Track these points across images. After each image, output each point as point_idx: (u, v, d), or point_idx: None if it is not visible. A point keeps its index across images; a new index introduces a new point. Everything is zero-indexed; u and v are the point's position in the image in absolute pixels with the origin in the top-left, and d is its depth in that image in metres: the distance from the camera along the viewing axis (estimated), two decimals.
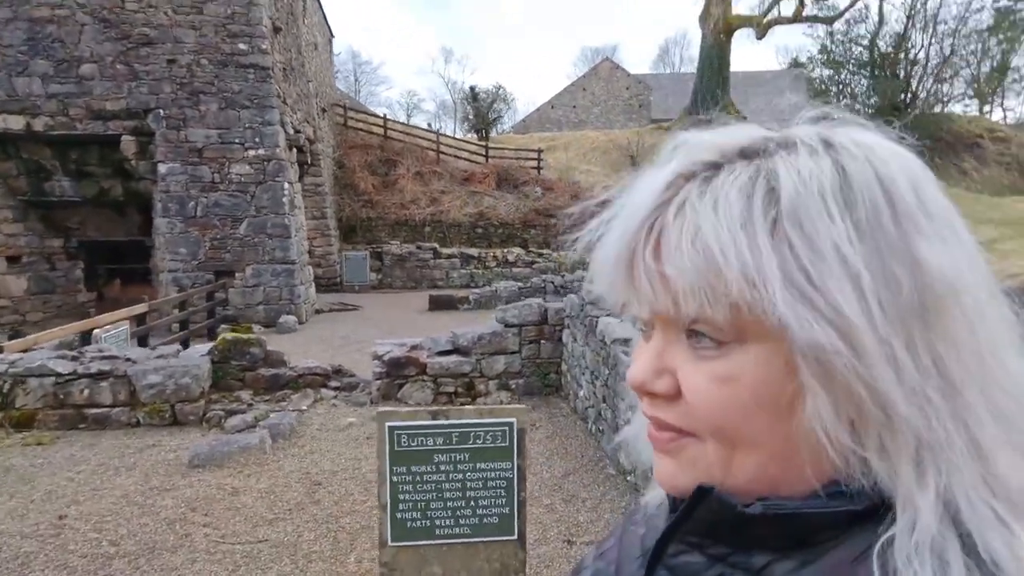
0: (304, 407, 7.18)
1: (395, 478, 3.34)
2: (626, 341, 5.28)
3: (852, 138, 0.52)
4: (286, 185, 15.10)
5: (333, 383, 7.83)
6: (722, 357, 0.51)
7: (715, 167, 0.53)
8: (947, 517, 0.46)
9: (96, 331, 8.15)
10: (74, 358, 7.07)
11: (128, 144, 14.49)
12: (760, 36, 28.06)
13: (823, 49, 27.34)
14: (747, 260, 0.48)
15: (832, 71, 26.91)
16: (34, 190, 15.34)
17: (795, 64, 53.24)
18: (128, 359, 7.09)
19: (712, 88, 28.77)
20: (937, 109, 26.79)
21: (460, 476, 3.36)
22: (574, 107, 50.71)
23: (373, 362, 7.66)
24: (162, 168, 14.45)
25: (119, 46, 14.28)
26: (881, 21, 26.37)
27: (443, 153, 26.30)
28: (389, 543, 3.36)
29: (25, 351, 7.59)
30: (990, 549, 0.45)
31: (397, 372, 7.45)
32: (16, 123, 14.21)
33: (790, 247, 0.48)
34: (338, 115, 26.51)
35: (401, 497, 3.35)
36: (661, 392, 0.54)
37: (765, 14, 28.23)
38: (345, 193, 24.33)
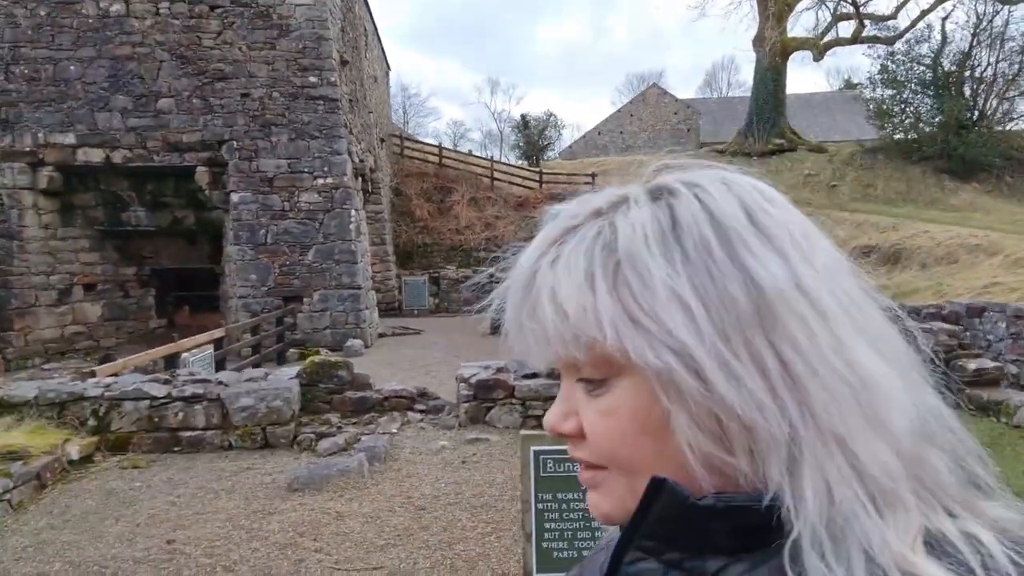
0: (394, 430, 7.08)
1: (540, 505, 3.18)
2: None
3: (683, 180, 0.58)
4: (353, 212, 15.26)
5: (419, 406, 7.73)
6: (605, 393, 0.57)
7: (572, 230, 0.59)
8: (827, 510, 0.48)
9: (184, 355, 8.23)
10: (166, 381, 7.13)
11: (202, 175, 14.86)
12: (817, 59, 27.64)
13: (883, 69, 26.72)
14: (588, 305, 0.54)
15: (894, 91, 26.24)
16: (111, 220, 15.82)
17: (848, 85, 52.46)
18: (220, 382, 7.11)
19: (768, 111, 28.40)
20: (1006, 127, 25.90)
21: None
22: (621, 133, 50.69)
23: (459, 385, 7.55)
24: (234, 197, 14.75)
25: (195, 81, 14.72)
26: (944, 39, 25.70)
27: (497, 179, 26.43)
28: (534, 574, 3.18)
29: (115, 375, 7.70)
30: (867, 538, 0.47)
31: (484, 395, 7.32)
32: (96, 156, 14.71)
33: (628, 288, 0.53)
34: (395, 145, 26.91)
35: (547, 526, 3.18)
36: (569, 432, 0.60)
37: (822, 36, 27.85)
38: (402, 220, 24.58)
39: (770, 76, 28.09)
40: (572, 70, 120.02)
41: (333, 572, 4.36)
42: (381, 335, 16.74)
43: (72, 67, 14.63)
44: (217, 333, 11.00)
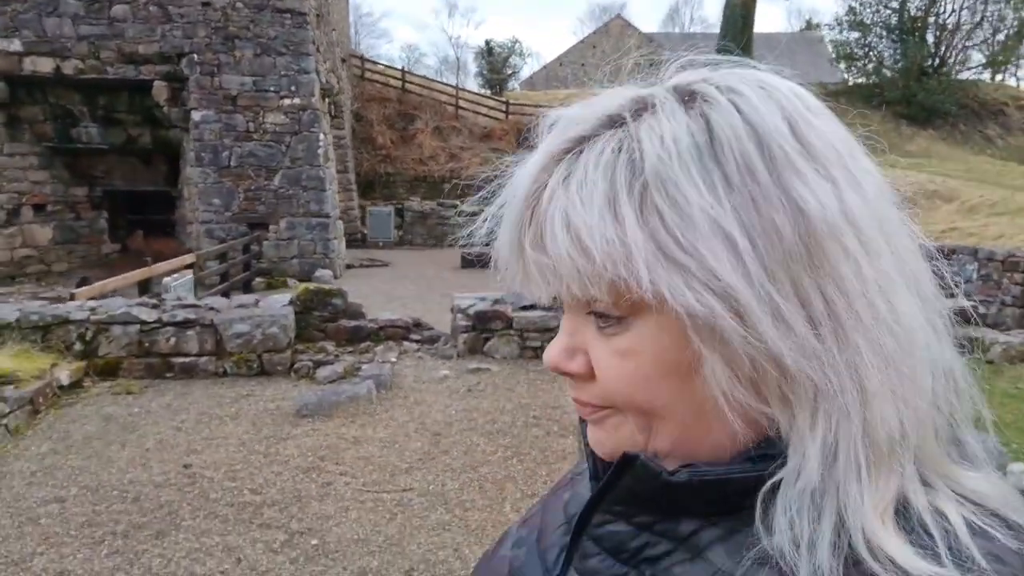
0: (392, 359, 7.02)
1: None
2: None
3: (717, 84, 0.50)
4: (321, 136, 14.74)
5: (414, 336, 7.68)
6: (622, 332, 0.51)
7: (582, 142, 0.51)
8: (830, 467, 0.46)
9: (166, 280, 7.92)
10: (155, 306, 6.88)
11: (160, 90, 14.06)
12: None
13: (850, 11, 26.79)
14: (613, 239, 0.47)
15: (860, 34, 26.40)
16: (60, 136, 14.91)
17: (809, 26, 52.58)
18: (211, 308, 6.90)
19: (735, 50, 28.22)
20: (964, 76, 26.46)
21: None
22: (583, 65, 49.87)
23: (456, 315, 7.51)
24: (195, 116, 14.04)
25: None
26: None
27: (462, 108, 25.81)
28: None
29: (94, 298, 7.39)
30: (845, 500, 0.45)
31: (483, 326, 7.30)
32: (46, 66, 13.73)
33: (660, 218, 0.47)
34: (355, 67, 25.89)
35: None
36: (575, 372, 0.54)
37: None
38: (363, 147, 23.88)
39: (739, 12, 27.81)
40: None
41: (362, 493, 4.36)
42: (348, 266, 16.45)
43: None
44: (188, 259, 10.62)
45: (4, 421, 5.21)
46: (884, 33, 25.92)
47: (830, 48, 47.07)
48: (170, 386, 6.45)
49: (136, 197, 16.71)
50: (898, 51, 25.58)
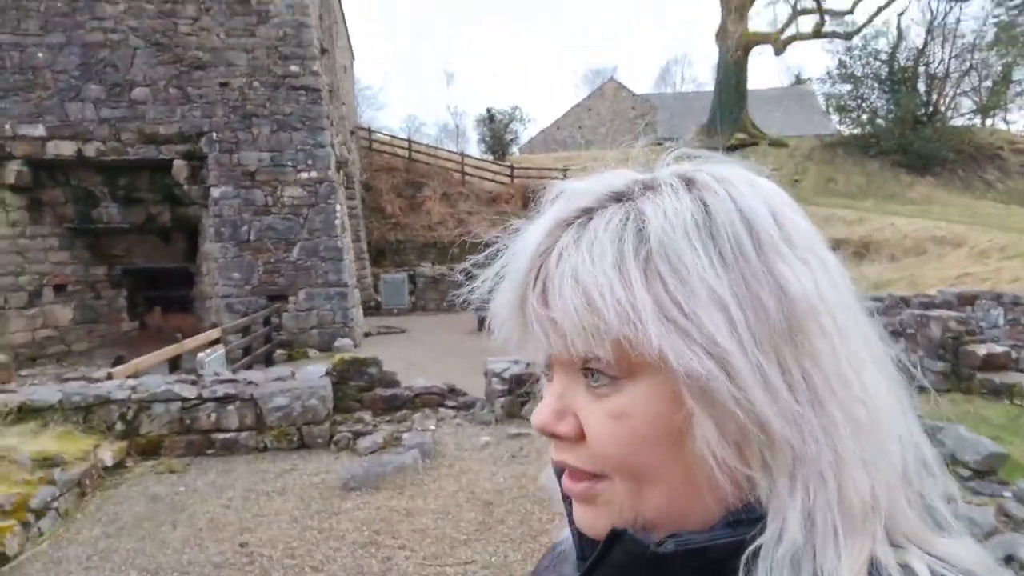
0: (431, 427, 7.01)
1: None
2: None
3: (712, 174, 0.55)
4: (338, 207, 15.00)
5: (449, 402, 7.67)
6: (615, 393, 0.53)
7: (590, 211, 0.55)
8: (808, 532, 0.48)
9: (200, 355, 7.96)
10: (193, 382, 6.90)
11: (180, 168, 14.38)
12: (778, 53, 28.34)
13: (841, 64, 27.58)
14: (622, 298, 0.50)
15: (851, 86, 27.13)
16: (81, 217, 15.17)
17: (799, 81, 53.94)
18: (249, 382, 6.92)
19: (730, 105, 29.00)
20: (958, 122, 27.04)
21: None
22: (580, 127, 50.97)
23: (491, 379, 7.52)
24: (215, 192, 14.33)
25: (172, 69, 14.22)
26: (900, 36, 26.69)
27: (468, 174, 26.31)
28: None
29: (131, 376, 7.42)
30: (823, 563, 0.48)
31: (519, 389, 7.31)
32: (68, 149, 14.09)
33: (662, 283, 0.50)
34: (363, 138, 26.51)
35: None
36: (564, 434, 0.55)
37: (782, 31, 28.56)
38: (373, 216, 24.23)
39: (732, 70, 28.69)
40: (529, 64, 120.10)
41: (424, 568, 4.31)
42: (367, 334, 16.49)
43: (40, 54, 13.96)
44: (214, 334, 10.68)
45: (55, 505, 5.18)
46: (875, 84, 26.62)
47: (822, 101, 48.36)
48: (212, 463, 6.42)
49: (153, 274, 16.89)
50: (891, 101, 26.22)
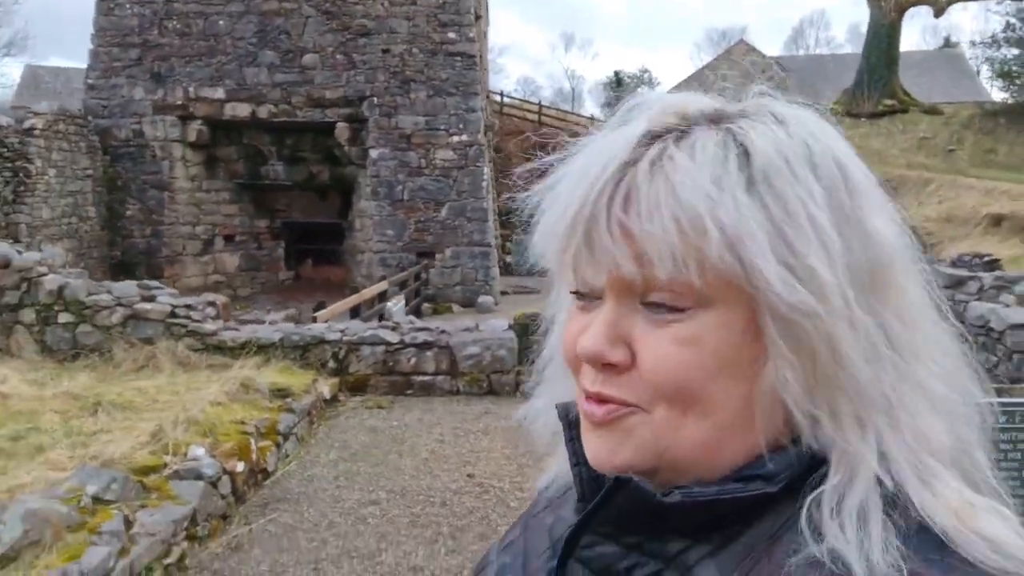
0: None
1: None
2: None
3: (801, 119, 0.53)
4: (485, 170, 15.45)
5: None
6: (684, 320, 0.50)
7: (683, 129, 0.52)
8: (882, 473, 0.47)
9: (387, 304, 8.60)
10: (393, 328, 7.47)
11: (342, 130, 15.21)
12: (939, 15, 26.35)
13: (1008, 27, 25.32)
14: (730, 221, 0.47)
15: (1021, 50, 24.89)
16: (250, 174, 16.39)
17: (948, 44, 49.94)
18: (442, 331, 7.43)
19: (880, 69, 27.30)
20: None
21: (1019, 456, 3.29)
22: (705, 92, 49.41)
23: None
24: (373, 153, 15.08)
25: (339, 37, 14.99)
26: None
27: None
28: None
29: (326, 321, 8.12)
30: (917, 502, 0.46)
31: None
32: (244, 111, 15.20)
33: (764, 208, 0.48)
34: (495, 102, 26.89)
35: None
36: (617, 362, 0.52)
37: None
38: (502, 179, 24.72)
39: (884, 32, 26.93)
40: (640, 26, 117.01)
41: None
42: (503, 293, 17.03)
43: (222, 22, 15.05)
44: (382, 286, 11.39)
45: (295, 430, 5.84)
46: None
47: (975, 65, 44.52)
48: (413, 402, 6.99)
49: (308, 228, 18.06)
50: None
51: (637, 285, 0.50)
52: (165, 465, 4.44)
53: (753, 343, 0.50)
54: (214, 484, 4.38)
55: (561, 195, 0.54)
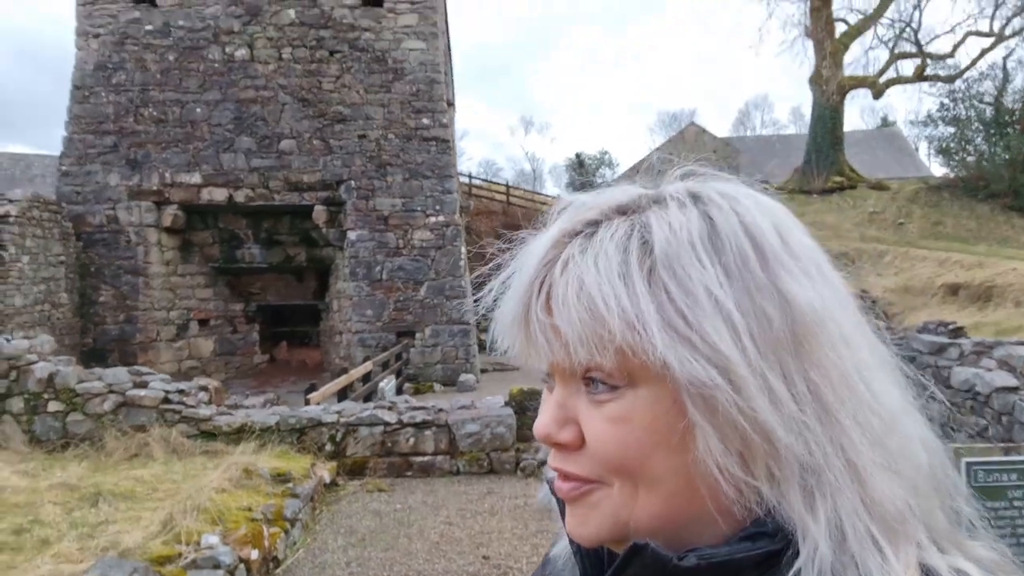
0: None
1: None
2: (1015, 389, 5.30)
3: (718, 190, 0.56)
4: (462, 249, 15.70)
5: None
6: (616, 400, 0.53)
7: (595, 224, 0.56)
8: (839, 543, 0.48)
9: (381, 384, 8.56)
10: (389, 408, 7.45)
11: (320, 213, 15.39)
12: (877, 96, 28.15)
13: (943, 107, 27.18)
14: (627, 307, 0.51)
15: (955, 128, 26.65)
16: (226, 257, 16.35)
17: (886, 124, 53.12)
18: (440, 409, 7.42)
19: (826, 149, 28.82)
20: None
21: None
22: (659, 172, 51.20)
23: None
24: (352, 235, 15.24)
25: (316, 123, 15.36)
26: (1006, 78, 26.18)
27: None
28: None
29: (318, 403, 8.05)
30: (863, 573, 0.47)
31: None
32: (220, 195, 15.30)
33: (666, 292, 0.51)
34: (463, 184, 27.52)
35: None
36: (566, 442, 0.55)
37: (880, 74, 28.40)
38: (474, 260, 25.05)
39: (828, 114, 28.58)
40: (596, 110, 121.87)
41: None
42: (483, 370, 17.02)
43: (199, 109, 15.32)
44: (365, 367, 11.33)
45: (300, 516, 5.72)
46: (981, 127, 26.09)
47: (913, 143, 47.30)
48: (413, 484, 6.90)
49: (281, 311, 17.95)
50: (998, 144, 25.61)
51: (574, 368, 0.54)
52: (180, 555, 4.32)
53: (682, 417, 0.51)
54: (231, 573, 4.27)
55: (507, 293, 0.59)
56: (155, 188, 15.21)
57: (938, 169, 32.80)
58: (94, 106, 15.38)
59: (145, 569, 3.88)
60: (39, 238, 13.63)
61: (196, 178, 15.28)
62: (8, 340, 7.14)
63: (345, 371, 12.77)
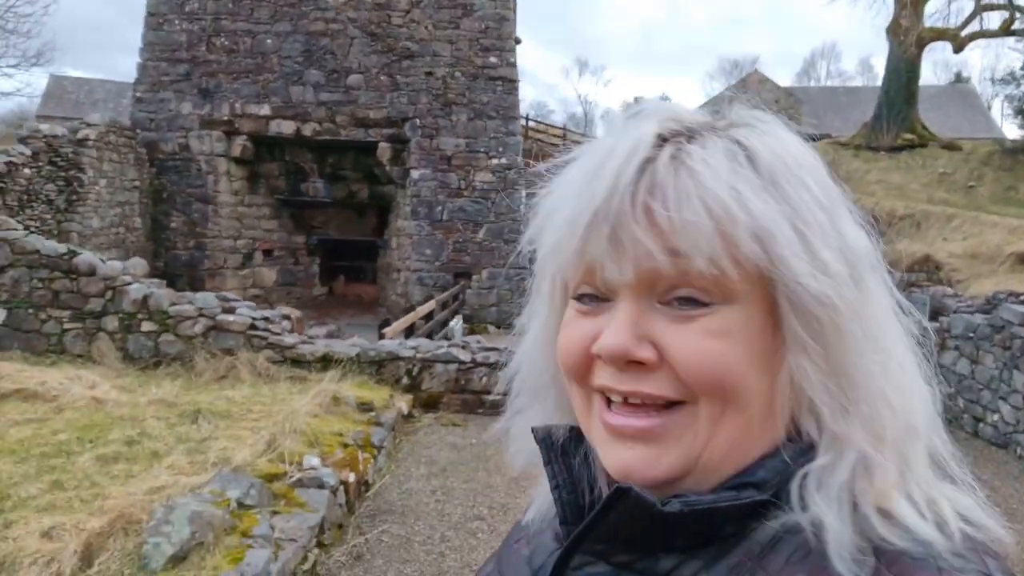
0: None
1: None
2: None
3: (780, 133, 0.56)
4: (523, 192, 15.69)
5: None
6: (708, 315, 0.51)
7: (687, 135, 0.54)
8: (870, 454, 0.50)
9: (451, 323, 8.77)
10: (463, 347, 7.64)
11: (384, 150, 15.48)
12: (958, 50, 26.75)
13: None
14: (759, 211, 0.49)
15: None
16: (291, 190, 16.64)
17: (959, 79, 50.55)
18: (512, 351, 7.58)
19: (899, 104, 27.66)
20: None
21: None
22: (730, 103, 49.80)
23: None
24: (415, 174, 15.33)
25: (384, 58, 15.31)
26: None
27: None
28: None
29: (391, 337, 8.30)
30: (872, 482, 0.50)
31: None
32: (288, 128, 15.48)
33: (789, 205, 0.51)
34: (521, 126, 27.28)
35: None
36: (645, 358, 0.51)
37: (963, 26, 26.92)
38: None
39: (904, 67, 27.32)
40: (651, 53, 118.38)
41: None
42: None
43: (269, 40, 15.38)
44: (429, 306, 11.57)
45: (384, 444, 5.99)
46: None
47: (987, 101, 45.08)
48: (485, 421, 7.12)
49: (340, 245, 18.29)
50: None
51: (664, 280, 0.51)
52: (285, 473, 4.60)
53: (772, 336, 0.52)
54: (334, 493, 4.54)
55: (573, 194, 0.54)
56: (225, 118, 15.43)
57: (1012, 131, 31.31)
58: (168, 33, 15.55)
59: (261, 485, 4.15)
60: (115, 163, 14.03)
61: (265, 110, 15.45)
62: (103, 261, 7.47)
63: (404, 308, 13.09)
